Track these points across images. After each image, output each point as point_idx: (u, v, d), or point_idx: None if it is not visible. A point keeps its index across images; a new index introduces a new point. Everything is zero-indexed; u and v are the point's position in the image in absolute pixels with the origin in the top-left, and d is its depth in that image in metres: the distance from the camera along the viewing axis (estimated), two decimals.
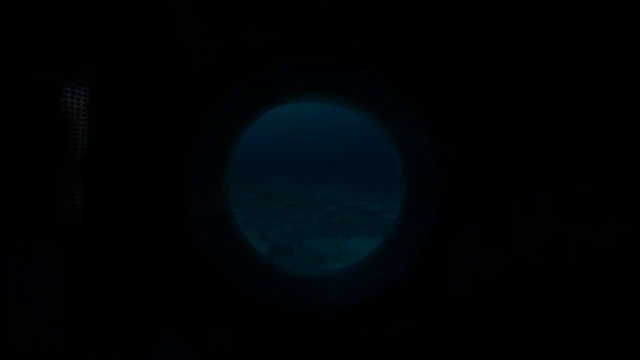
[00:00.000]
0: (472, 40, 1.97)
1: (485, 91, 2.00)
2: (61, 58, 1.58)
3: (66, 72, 1.65)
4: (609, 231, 1.93)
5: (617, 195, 1.93)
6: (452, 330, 2.07)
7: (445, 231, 2.07)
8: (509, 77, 1.97)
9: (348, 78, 2.33)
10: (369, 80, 2.19)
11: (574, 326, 1.99)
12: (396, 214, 20.19)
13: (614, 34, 1.83)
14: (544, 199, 1.99)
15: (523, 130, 1.97)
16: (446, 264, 2.06)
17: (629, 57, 1.83)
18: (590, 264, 1.95)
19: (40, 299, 1.55)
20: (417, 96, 2.05)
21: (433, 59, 2.01)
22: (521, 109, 1.98)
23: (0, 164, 1.60)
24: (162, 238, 2.02)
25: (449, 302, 2.06)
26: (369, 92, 2.42)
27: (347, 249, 12.47)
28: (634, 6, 1.76)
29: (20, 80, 1.63)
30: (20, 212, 1.64)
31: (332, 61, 2.08)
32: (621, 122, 1.85)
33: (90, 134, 1.92)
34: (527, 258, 2.02)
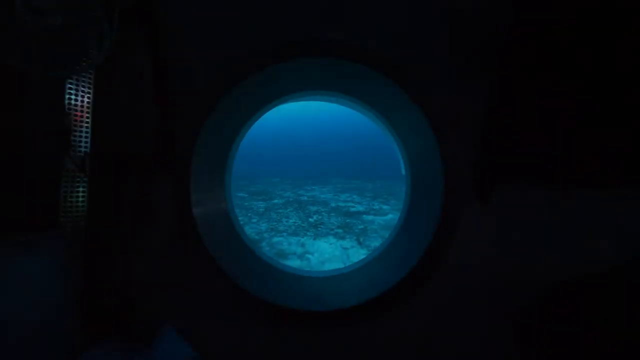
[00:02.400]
0: (479, 44, 1.94)
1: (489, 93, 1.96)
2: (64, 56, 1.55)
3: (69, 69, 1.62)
4: None
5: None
6: (452, 330, 2.05)
7: (445, 232, 2.05)
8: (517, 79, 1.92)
9: (351, 77, 2.27)
10: (373, 79, 2.14)
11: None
12: (377, 215, 20.30)
13: None
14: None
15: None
16: (447, 264, 2.04)
17: None
18: None
19: (41, 293, 1.56)
20: (422, 96, 2.03)
21: (439, 57, 1.98)
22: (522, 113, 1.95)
23: (3, 161, 1.62)
24: (163, 235, 2.02)
25: (450, 302, 2.05)
26: (374, 91, 2.37)
27: (311, 249, 12.91)
28: None
29: (23, 78, 1.65)
30: (22, 207, 1.68)
31: (334, 58, 2.05)
32: None
33: (93, 131, 1.93)
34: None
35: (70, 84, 1.82)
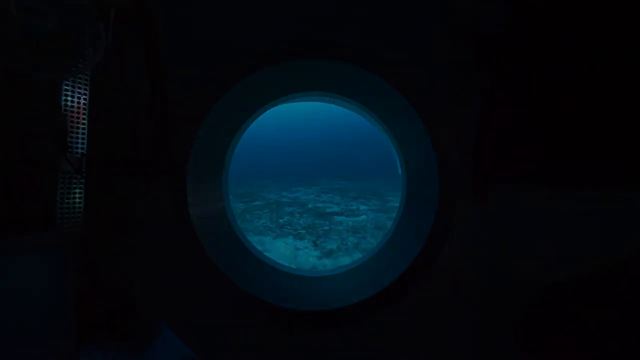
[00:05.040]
0: (473, 46, 1.93)
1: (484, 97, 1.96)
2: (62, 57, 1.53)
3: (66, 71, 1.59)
4: None
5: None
6: (450, 329, 2.04)
7: (442, 232, 2.03)
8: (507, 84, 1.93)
9: (349, 78, 2.26)
10: (371, 81, 2.13)
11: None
12: (350, 217, 20.50)
13: None
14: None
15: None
16: (445, 264, 2.03)
17: None
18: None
19: (39, 293, 1.55)
20: (419, 96, 2.02)
21: (436, 58, 1.97)
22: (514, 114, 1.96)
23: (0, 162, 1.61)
24: (160, 236, 2.00)
25: (447, 302, 2.04)
26: (371, 93, 2.36)
27: (269, 247, 13.62)
28: None
29: (20, 79, 1.63)
30: (19, 208, 1.66)
31: (333, 60, 2.03)
32: None
33: (90, 132, 1.90)
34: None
35: (67, 85, 1.80)
